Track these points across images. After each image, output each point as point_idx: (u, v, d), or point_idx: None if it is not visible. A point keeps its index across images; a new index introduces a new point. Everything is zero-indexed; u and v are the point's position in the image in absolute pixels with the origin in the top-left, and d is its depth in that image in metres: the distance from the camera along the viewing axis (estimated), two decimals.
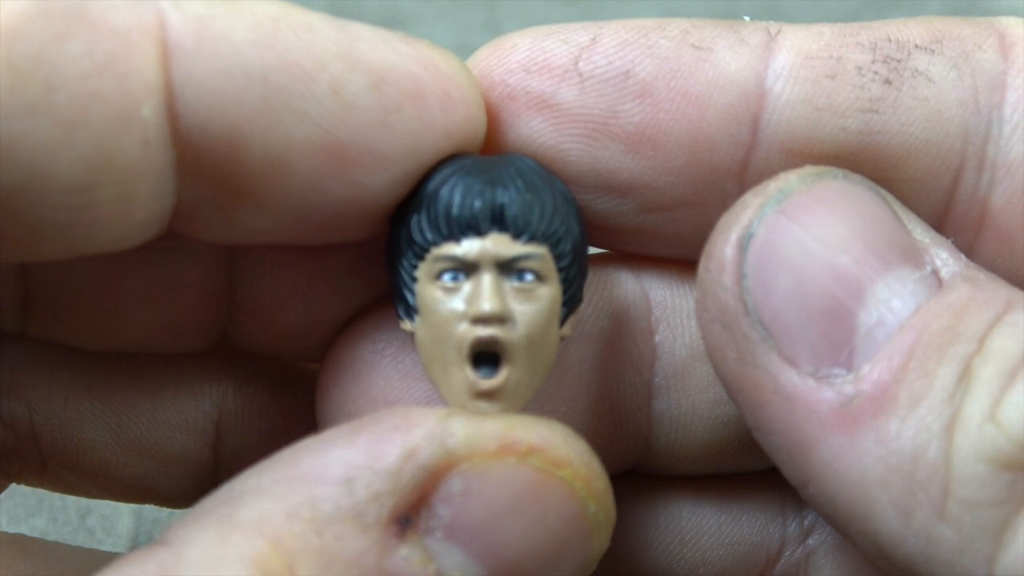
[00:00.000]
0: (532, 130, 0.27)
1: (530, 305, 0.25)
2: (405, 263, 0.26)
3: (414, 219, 0.25)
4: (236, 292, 0.30)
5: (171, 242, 0.27)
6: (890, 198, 0.26)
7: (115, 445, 0.31)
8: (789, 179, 0.25)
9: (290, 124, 0.24)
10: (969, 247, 0.27)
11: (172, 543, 0.22)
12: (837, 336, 0.24)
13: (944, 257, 0.25)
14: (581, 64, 0.26)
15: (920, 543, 0.23)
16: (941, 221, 0.27)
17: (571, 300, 0.26)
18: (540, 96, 0.26)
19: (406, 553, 0.23)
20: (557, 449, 0.24)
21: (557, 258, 0.26)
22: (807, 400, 0.24)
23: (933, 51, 0.26)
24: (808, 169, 0.26)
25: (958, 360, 0.23)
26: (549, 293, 0.25)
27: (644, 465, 0.31)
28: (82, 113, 0.22)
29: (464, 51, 0.27)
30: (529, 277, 0.25)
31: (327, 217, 0.26)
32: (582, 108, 0.26)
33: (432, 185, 0.25)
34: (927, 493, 0.23)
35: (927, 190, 0.27)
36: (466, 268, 0.25)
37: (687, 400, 0.30)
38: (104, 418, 0.31)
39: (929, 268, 0.25)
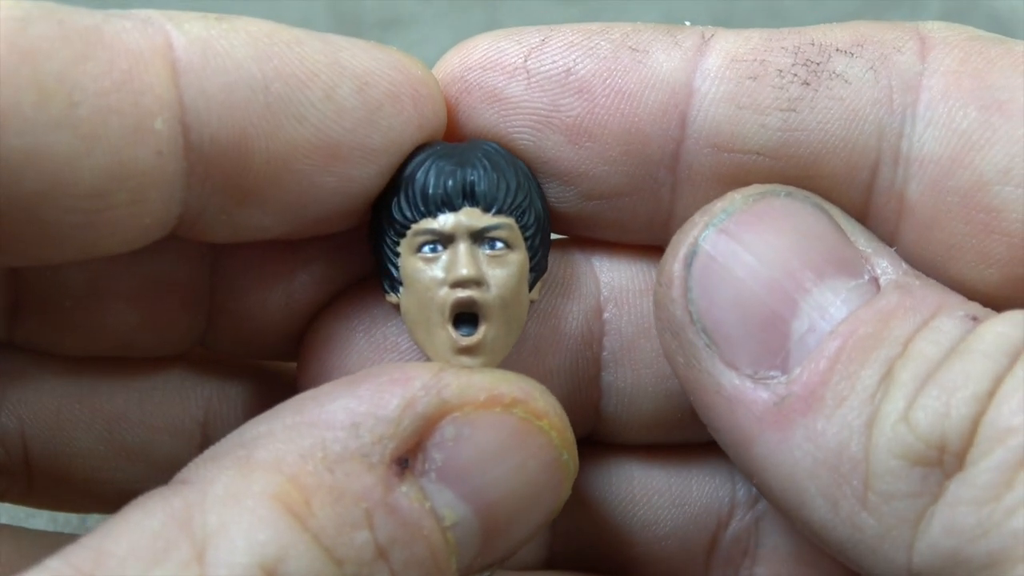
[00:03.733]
0: (486, 121, 0.29)
1: (502, 270, 0.28)
2: (388, 241, 0.29)
3: (394, 201, 0.28)
4: (218, 291, 0.32)
5: (160, 243, 0.29)
6: (835, 211, 0.28)
7: (106, 452, 0.33)
8: (734, 199, 0.28)
9: (290, 128, 0.27)
10: (891, 236, 0.29)
11: (194, 481, 0.24)
12: (772, 342, 0.26)
13: (884, 265, 0.27)
14: (529, 62, 0.29)
15: (847, 530, 0.25)
16: (863, 212, 0.29)
17: (537, 267, 0.29)
18: (492, 90, 0.29)
19: (406, 490, 0.25)
20: (536, 401, 0.27)
21: (523, 228, 0.29)
22: (745, 400, 0.26)
23: (852, 54, 0.28)
24: (753, 188, 0.28)
25: (880, 363, 0.25)
26: (518, 259, 0.28)
27: (597, 434, 0.33)
28: (102, 126, 0.24)
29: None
30: (499, 245, 0.28)
31: (321, 210, 0.28)
32: (527, 101, 0.29)
33: (409, 170, 0.28)
34: (850, 485, 0.25)
35: (847, 183, 0.28)
36: (443, 239, 0.28)
37: (634, 373, 0.32)
38: (95, 426, 0.33)
39: (867, 276, 0.27)
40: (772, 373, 0.26)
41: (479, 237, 0.28)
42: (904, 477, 0.24)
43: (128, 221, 0.26)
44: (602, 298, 0.32)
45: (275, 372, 0.35)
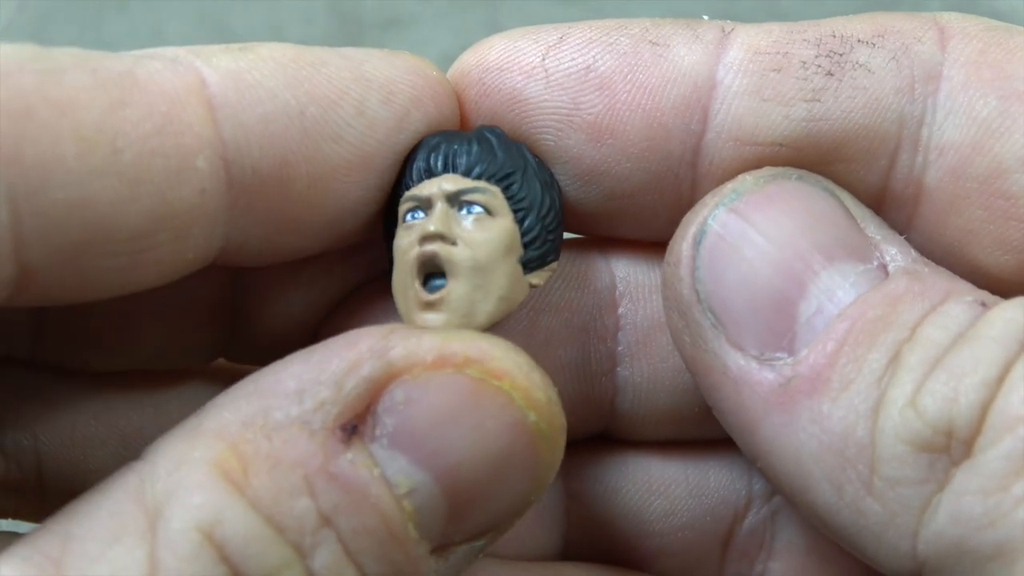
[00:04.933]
0: (506, 123, 0.29)
1: (480, 233, 0.28)
2: (393, 231, 0.29)
3: (400, 189, 0.29)
4: (241, 304, 0.32)
5: None
6: (846, 197, 0.28)
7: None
8: (745, 180, 0.28)
9: (328, 149, 0.27)
10: (907, 222, 0.29)
11: (147, 456, 0.25)
12: (779, 324, 0.26)
13: (893, 253, 0.27)
14: (547, 61, 0.29)
15: (851, 515, 0.25)
16: (881, 197, 0.29)
17: (540, 251, 0.29)
18: (511, 92, 0.29)
19: (351, 457, 0.24)
20: (494, 361, 0.25)
21: (511, 199, 0.28)
22: (751, 381, 0.26)
23: (874, 44, 0.28)
24: (765, 170, 0.28)
25: (888, 347, 0.25)
26: (500, 226, 0.28)
27: (612, 430, 0.33)
28: (146, 170, 0.25)
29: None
30: (477, 209, 0.28)
31: (356, 223, 0.29)
32: (547, 101, 0.29)
33: (410, 156, 0.29)
34: (855, 469, 0.25)
35: (865, 169, 0.29)
36: (423, 204, 0.28)
37: (649, 368, 0.32)
38: (110, 442, 0.32)
39: (876, 262, 0.27)
40: (779, 355, 0.26)
41: (456, 200, 0.28)
42: (910, 463, 0.24)
43: (170, 258, 0.26)
44: (617, 293, 0.32)
45: None
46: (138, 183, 0.24)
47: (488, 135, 0.29)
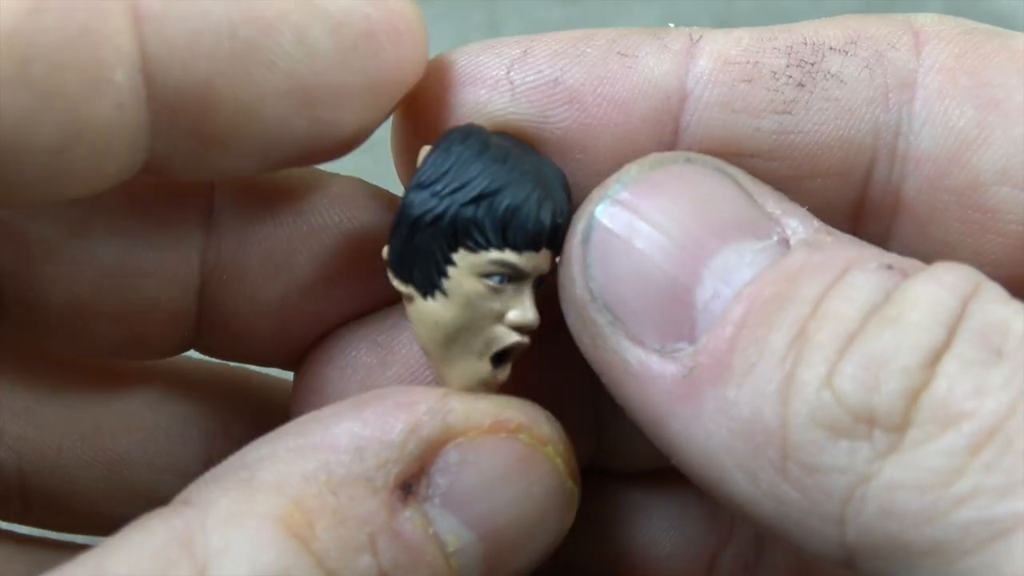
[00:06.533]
0: None
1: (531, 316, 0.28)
2: (443, 243, 0.27)
3: (468, 213, 0.27)
4: (206, 312, 0.31)
5: (144, 268, 0.29)
6: (739, 174, 0.27)
7: (107, 490, 0.33)
8: (629, 170, 0.27)
9: (259, 74, 0.25)
10: (886, 232, 0.29)
11: (195, 503, 0.24)
12: (677, 313, 0.25)
13: (794, 226, 0.26)
14: (512, 73, 0.28)
15: (771, 504, 0.24)
16: (858, 208, 0.29)
17: None
18: (475, 106, 0.28)
19: (409, 515, 0.25)
20: (542, 427, 0.27)
21: None
22: (653, 375, 0.25)
23: (847, 52, 0.28)
24: (650, 157, 0.27)
25: (789, 324, 0.24)
26: None
27: (595, 462, 0.33)
28: (57, 82, 0.23)
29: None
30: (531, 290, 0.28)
31: (293, 151, 0.27)
32: (514, 114, 0.28)
33: (491, 184, 0.27)
34: (768, 456, 0.24)
35: (842, 181, 0.28)
36: (514, 276, 0.27)
37: None
38: (96, 466, 0.33)
39: (776, 238, 0.26)
40: (679, 345, 0.25)
41: (539, 280, 0.28)
42: (828, 449, 0.23)
43: (92, 170, 0.25)
44: None
45: (285, 414, 0.34)
46: (49, 95, 0.23)
47: (565, 192, 0.28)
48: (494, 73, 0.28)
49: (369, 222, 0.31)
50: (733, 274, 0.25)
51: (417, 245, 0.27)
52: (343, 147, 0.28)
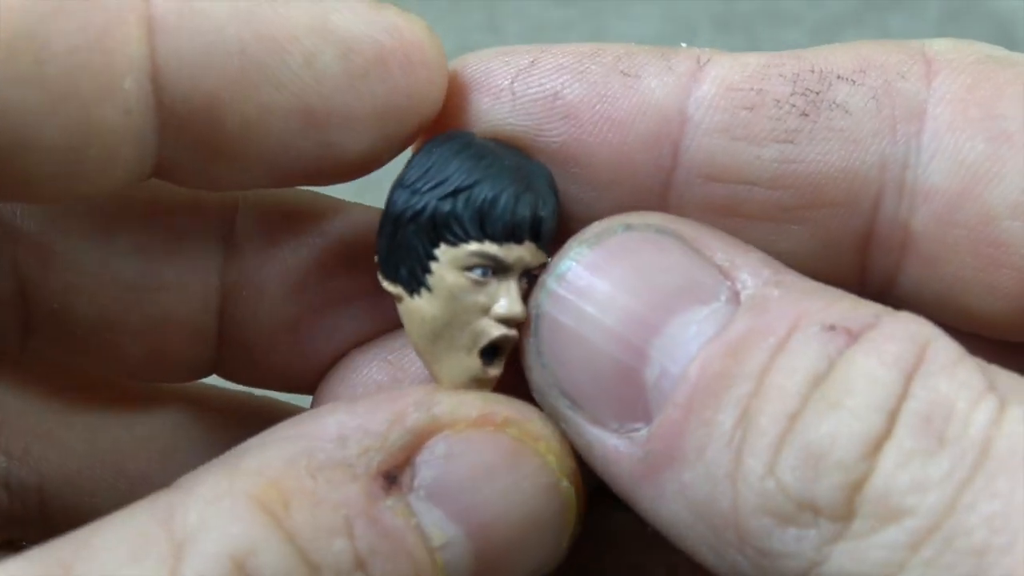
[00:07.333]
0: None
1: (521, 309, 0.27)
2: (424, 239, 0.27)
3: (448, 206, 0.27)
4: (226, 331, 0.31)
5: (166, 282, 0.30)
6: (683, 227, 0.27)
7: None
8: (569, 250, 0.27)
9: (266, 93, 0.26)
10: (895, 268, 0.28)
11: (181, 486, 0.24)
12: (630, 394, 0.25)
13: (744, 279, 0.26)
14: (515, 84, 0.28)
15: None
16: (865, 243, 0.28)
17: None
18: (477, 112, 0.28)
19: (391, 504, 0.25)
20: (532, 424, 0.26)
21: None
22: (615, 457, 0.26)
23: (855, 81, 0.27)
24: (591, 229, 0.27)
25: (734, 404, 0.24)
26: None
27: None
28: (70, 84, 0.24)
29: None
30: (523, 283, 0.28)
31: (299, 169, 0.28)
32: (511, 124, 0.28)
33: (470, 179, 0.27)
34: (727, 538, 0.24)
35: (848, 212, 0.28)
36: (498, 268, 0.27)
37: None
38: (118, 487, 0.33)
39: (724, 297, 0.26)
40: (636, 426, 0.25)
41: (525, 273, 0.28)
42: (777, 535, 0.23)
43: (100, 171, 0.26)
44: None
45: None
46: (61, 97, 0.24)
47: (554, 196, 0.28)
48: (499, 83, 0.28)
49: None
50: (679, 350, 0.25)
51: (400, 242, 0.28)
52: (352, 170, 0.28)
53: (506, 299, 0.27)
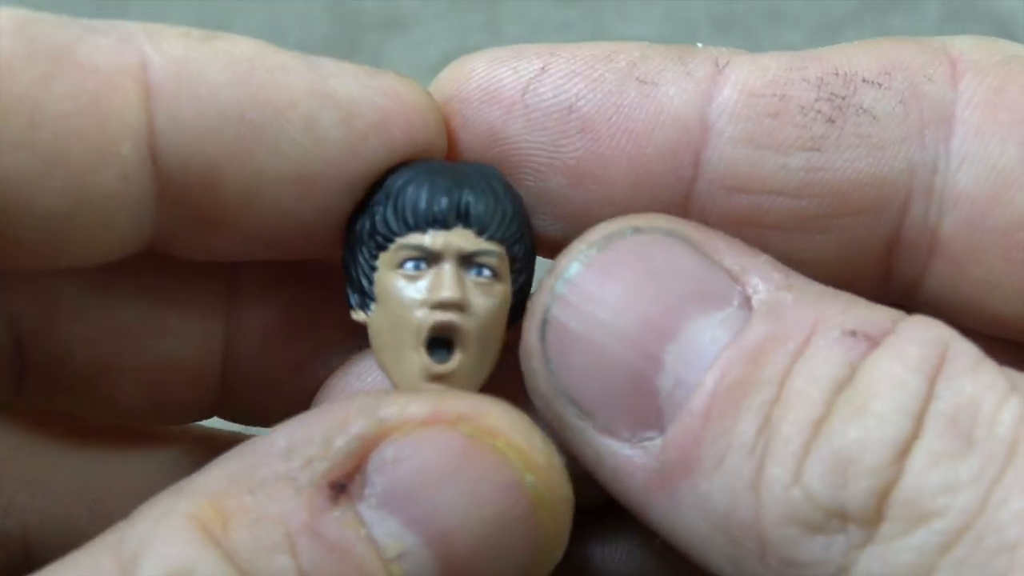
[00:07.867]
0: (488, 159, 0.28)
1: (486, 299, 0.26)
2: (365, 252, 0.27)
3: (379, 211, 0.27)
4: (230, 373, 0.31)
5: (164, 327, 0.30)
6: (691, 231, 0.26)
7: None
8: (578, 250, 0.26)
9: (264, 159, 0.26)
10: (922, 272, 0.28)
11: (132, 515, 0.24)
12: (643, 403, 0.25)
13: (755, 284, 0.25)
14: (527, 96, 0.27)
15: None
16: (891, 248, 0.28)
17: (517, 306, 0.27)
18: (491, 128, 0.28)
19: (338, 515, 0.24)
20: (489, 418, 0.24)
21: (512, 260, 0.27)
22: (626, 468, 0.25)
23: (880, 84, 0.27)
24: (598, 231, 0.26)
25: (755, 412, 0.23)
26: (502, 291, 0.27)
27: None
28: (63, 149, 0.24)
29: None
30: (487, 272, 0.27)
31: (297, 237, 0.27)
32: (527, 142, 0.27)
33: (400, 181, 0.27)
34: (748, 549, 0.23)
35: (875, 219, 0.27)
36: (429, 258, 0.26)
37: None
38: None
39: (737, 301, 0.25)
40: (649, 435, 0.24)
41: (467, 261, 0.26)
42: (804, 544, 0.23)
43: (95, 239, 0.25)
44: None
45: None
46: (54, 161, 0.24)
47: (495, 185, 0.27)
48: (510, 94, 0.27)
49: None
50: (694, 356, 0.24)
51: (351, 264, 0.28)
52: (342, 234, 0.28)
53: (434, 282, 0.26)
